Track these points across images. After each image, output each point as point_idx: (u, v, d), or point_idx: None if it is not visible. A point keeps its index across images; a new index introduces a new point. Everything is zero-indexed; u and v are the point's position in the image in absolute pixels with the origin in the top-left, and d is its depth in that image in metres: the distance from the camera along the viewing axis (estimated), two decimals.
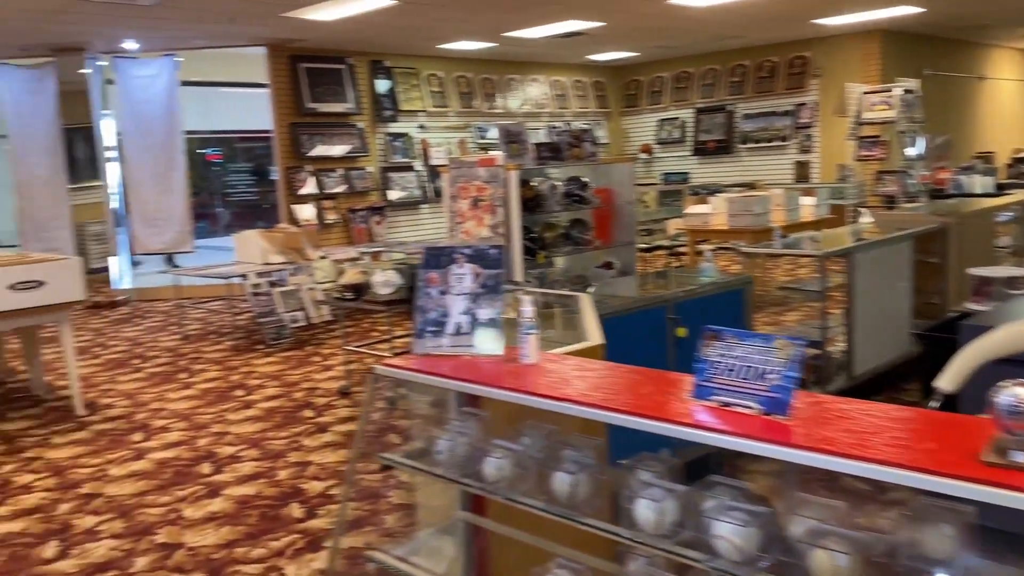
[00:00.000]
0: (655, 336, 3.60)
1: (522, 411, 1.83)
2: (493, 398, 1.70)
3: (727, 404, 1.50)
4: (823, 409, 1.51)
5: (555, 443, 1.66)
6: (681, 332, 3.59)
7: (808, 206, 8.28)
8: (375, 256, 8.49)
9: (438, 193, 11.13)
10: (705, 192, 11.19)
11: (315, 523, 3.56)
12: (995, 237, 5.89)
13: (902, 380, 4.97)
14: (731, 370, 1.52)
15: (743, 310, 3.97)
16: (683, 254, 8.66)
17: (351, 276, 5.72)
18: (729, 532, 1.33)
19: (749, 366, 1.50)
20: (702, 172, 12.91)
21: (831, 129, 11.54)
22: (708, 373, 1.56)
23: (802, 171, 11.89)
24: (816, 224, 7.77)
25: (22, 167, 9.86)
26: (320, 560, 3.23)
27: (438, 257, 1.96)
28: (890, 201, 10.39)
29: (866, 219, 6.58)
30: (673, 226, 8.95)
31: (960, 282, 5.49)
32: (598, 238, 6.22)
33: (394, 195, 10.85)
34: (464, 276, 1.94)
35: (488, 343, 1.92)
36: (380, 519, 3.57)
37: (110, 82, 10.03)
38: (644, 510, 1.43)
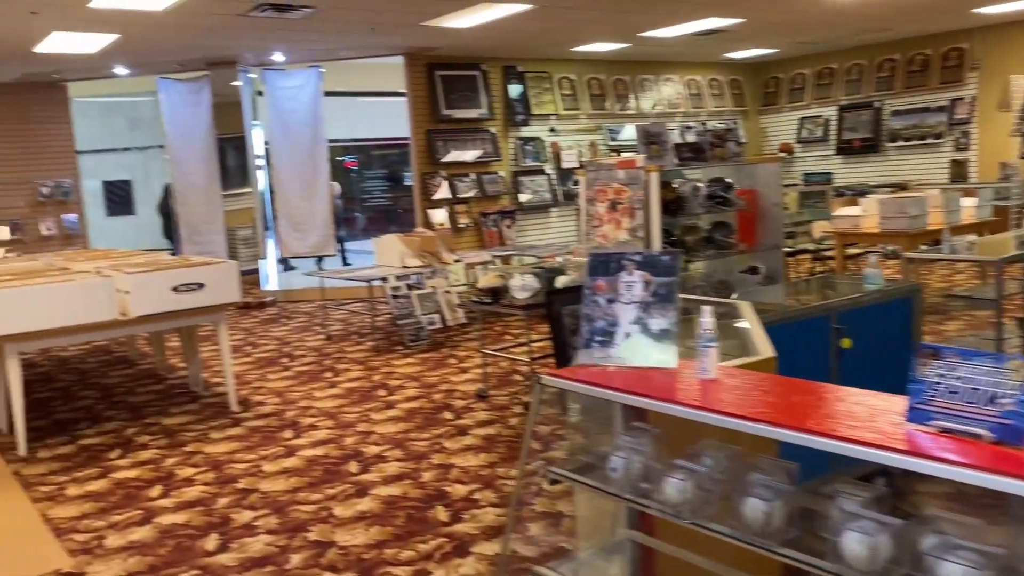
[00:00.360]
0: (817, 347, 3.40)
1: (695, 429, 1.73)
2: (670, 414, 1.62)
3: (948, 430, 1.35)
4: None
5: (740, 465, 1.56)
6: (846, 343, 3.38)
7: (969, 208, 7.69)
8: (505, 260, 8.53)
9: (568, 196, 11.09)
10: (851, 193, 10.65)
11: (461, 527, 3.56)
12: None
13: None
14: (954, 392, 1.37)
15: (911, 320, 3.70)
16: (830, 258, 8.24)
17: (489, 280, 5.74)
18: None
19: (976, 388, 1.35)
20: (846, 172, 12.30)
21: (991, 125, 10.75)
22: (925, 395, 1.41)
23: (958, 170, 11.12)
24: (978, 228, 7.23)
25: (180, 175, 10.50)
26: (467, 566, 3.22)
27: (606, 264, 1.89)
28: None
29: None
30: (819, 229, 8.54)
31: None
32: (742, 241, 5.99)
33: (525, 198, 10.88)
34: (634, 284, 1.86)
35: (661, 355, 1.84)
36: (524, 528, 3.53)
37: (260, 93, 10.54)
38: (854, 544, 1.31)
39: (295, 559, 3.34)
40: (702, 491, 1.57)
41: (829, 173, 12.46)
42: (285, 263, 11.75)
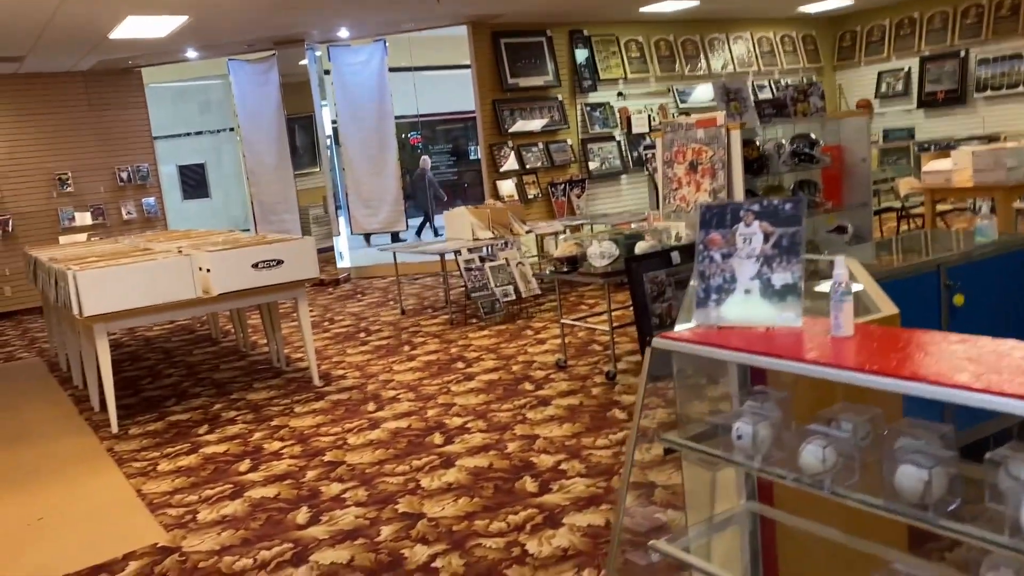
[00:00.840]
0: (926, 305, 3.19)
1: (823, 393, 1.59)
2: (798, 376, 1.48)
3: None
4: None
5: (883, 429, 1.42)
6: (959, 300, 3.16)
7: None
8: (576, 229, 8.39)
9: (638, 162, 10.85)
10: (936, 148, 10.15)
11: (550, 498, 3.48)
12: None
13: None
14: None
15: None
16: (919, 216, 7.86)
17: (566, 248, 5.62)
18: None
19: None
20: (930, 127, 11.73)
21: None
22: None
23: None
24: None
25: (252, 155, 10.62)
26: (560, 537, 3.14)
27: (721, 215, 1.75)
28: None
29: None
30: (905, 186, 8.15)
31: None
32: (828, 200, 5.74)
33: (594, 166, 10.68)
34: (753, 236, 1.72)
35: (786, 312, 1.70)
36: (615, 498, 3.43)
37: (327, 72, 10.55)
38: None
39: (385, 531, 3.31)
40: (843, 458, 1.44)
41: (911, 128, 11.90)
42: (368, 239, 11.83)
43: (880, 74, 12.33)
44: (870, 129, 5.83)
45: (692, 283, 1.83)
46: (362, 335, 7.08)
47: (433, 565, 3.01)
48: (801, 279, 1.69)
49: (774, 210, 1.71)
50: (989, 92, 11.07)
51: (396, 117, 10.50)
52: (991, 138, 10.47)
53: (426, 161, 14.85)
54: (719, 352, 1.63)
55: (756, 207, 1.73)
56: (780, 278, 1.70)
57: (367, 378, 5.66)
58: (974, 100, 11.26)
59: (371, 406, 5.00)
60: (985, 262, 3.30)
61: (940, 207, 8.15)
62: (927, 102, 11.71)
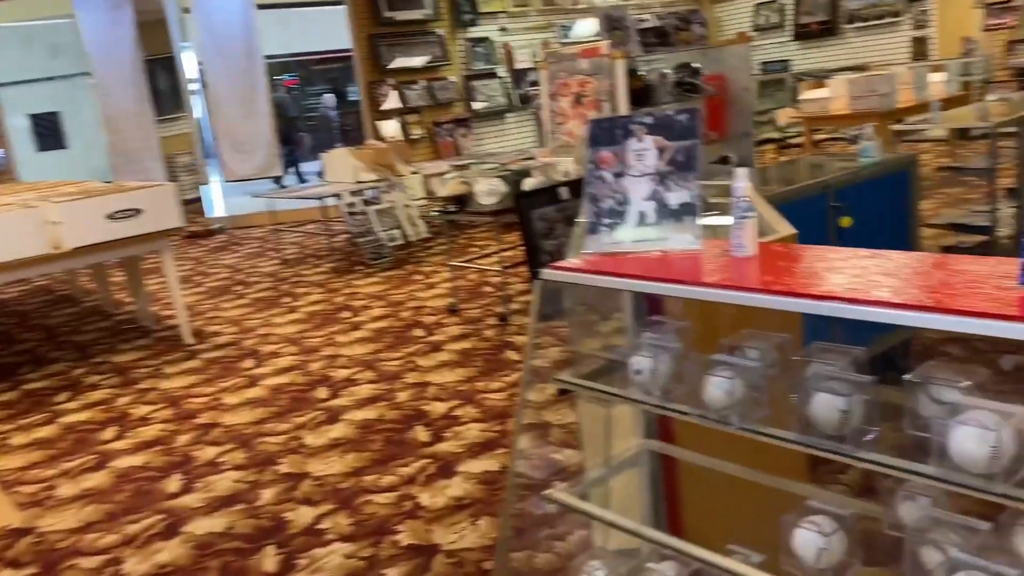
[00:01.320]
0: (814, 228, 3.15)
1: (727, 320, 1.46)
2: (707, 300, 1.33)
3: None
4: None
5: (793, 357, 1.30)
6: (845, 222, 3.14)
7: (938, 83, 7.46)
8: (464, 169, 8.14)
9: (524, 100, 10.62)
10: (811, 79, 10.35)
11: (444, 447, 3.33)
12: None
13: None
14: None
15: (910, 193, 3.47)
16: (798, 146, 8.00)
17: (453, 187, 5.39)
18: None
19: None
20: (805, 58, 11.96)
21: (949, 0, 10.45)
22: None
23: (919, 48, 10.85)
24: (947, 103, 7.01)
25: (109, 101, 9.81)
26: (455, 487, 3.00)
27: (611, 130, 1.57)
28: (1022, 75, 9.40)
29: (994, 97, 5.78)
30: (784, 116, 8.27)
31: None
32: (712, 130, 5.70)
33: (479, 105, 10.39)
34: (646, 152, 1.55)
35: (684, 234, 1.55)
36: (510, 442, 3.30)
37: (186, 11, 9.79)
38: (971, 443, 1.06)
39: (266, 494, 3.08)
40: (751, 390, 1.31)
41: (787, 60, 12.11)
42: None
43: (757, 6, 12.46)
44: (750, 58, 5.79)
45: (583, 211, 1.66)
46: (239, 288, 6.68)
47: (319, 527, 2.82)
48: (699, 198, 1.55)
49: (668, 122, 1.55)
50: (859, 23, 11.35)
51: (267, 57, 9.88)
52: (861, 68, 10.75)
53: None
54: (611, 280, 1.47)
55: (649, 120, 1.56)
56: (677, 197, 1.55)
57: (244, 333, 5.32)
58: (844, 31, 11.53)
59: (249, 363, 4.69)
60: (869, 183, 3.29)
61: (817, 136, 8.33)
62: (802, 34, 11.92)
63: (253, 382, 4.35)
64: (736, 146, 5.78)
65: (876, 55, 11.11)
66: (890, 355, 3.01)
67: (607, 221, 1.59)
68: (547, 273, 1.59)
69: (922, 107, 6.71)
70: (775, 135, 8.59)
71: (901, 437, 1.17)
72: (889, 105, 6.77)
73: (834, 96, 7.29)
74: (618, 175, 1.58)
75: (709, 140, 5.68)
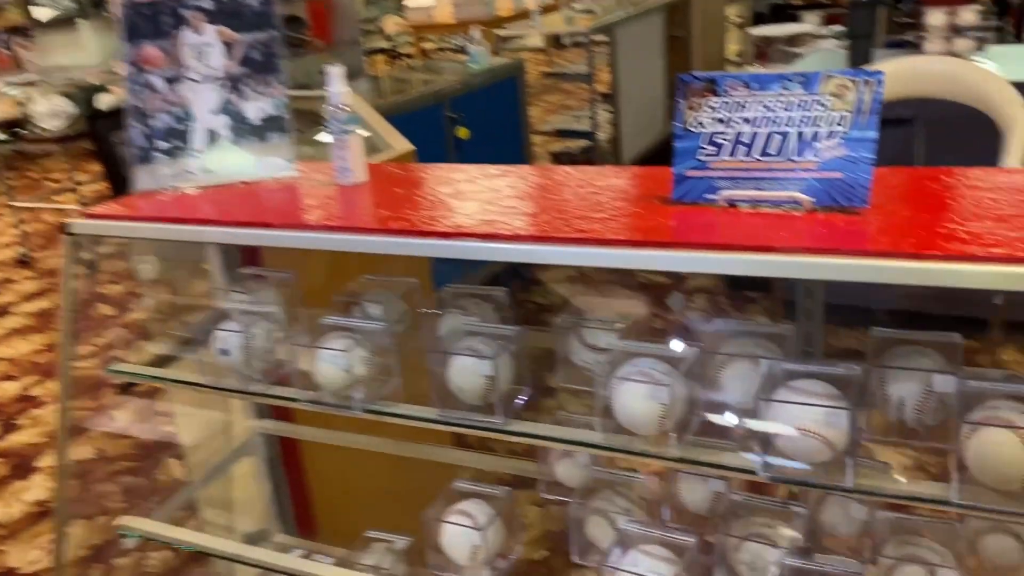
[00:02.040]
0: (432, 140, 2.97)
1: (343, 264, 1.15)
2: (306, 249, 0.98)
3: (740, 202, 0.92)
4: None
5: (424, 309, 1.02)
6: (463, 133, 3.00)
7: None
8: (31, 86, 6.77)
9: (98, 5, 9.12)
10: None
11: (17, 439, 2.67)
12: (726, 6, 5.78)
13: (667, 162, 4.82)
14: (744, 144, 0.93)
15: (519, 100, 3.45)
16: (408, 56, 7.86)
17: (3, 110, 4.36)
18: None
19: (779, 132, 0.91)
20: None
21: None
22: (700, 156, 0.95)
23: None
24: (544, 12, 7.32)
25: None
26: (37, 488, 2.41)
27: (155, 17, 1.12)
28: None
29: (580, 6, 6.11)
30: (391, 24, 8.05)
31: (706, 55, 5.35)
32: (317, 38, 5.27)
33: (42, 13, 8.69)
34: (209, 48, 1.14)
35: (272, 157, 1.17)
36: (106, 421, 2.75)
37: None
38: (638, 402, 0.86)
39: None
40: (375, 356, 1.02)
41: None
42: None
43: None
44: None
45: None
46: None
47: None
48: (287, 108, 1.18)
49: (235, 7, 1.14)
50: None
51: None
52: None
53: None
54: (166, 229, 1.06)
55: (208, 3, 1.14)
56: (257, 108, 1.17)
57: None
58: None
59: None
60: (482, 91, 3.19)
61: (426, 45, 8.27)
62: None
63: None
64: (344, 56, 5.43)
65: None
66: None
67: (164, 145, 1.17)
68: (79, 226, 1.14)
69: (522, 15, 6.93)
70: (384, 44, 8.37)
71: (556, 393, 0.97)
72: (491, 13, 6.89)
73: (438, 4, 7.27)
74: (172, 80, 1.16)
75: (316, 49, 5.26)
